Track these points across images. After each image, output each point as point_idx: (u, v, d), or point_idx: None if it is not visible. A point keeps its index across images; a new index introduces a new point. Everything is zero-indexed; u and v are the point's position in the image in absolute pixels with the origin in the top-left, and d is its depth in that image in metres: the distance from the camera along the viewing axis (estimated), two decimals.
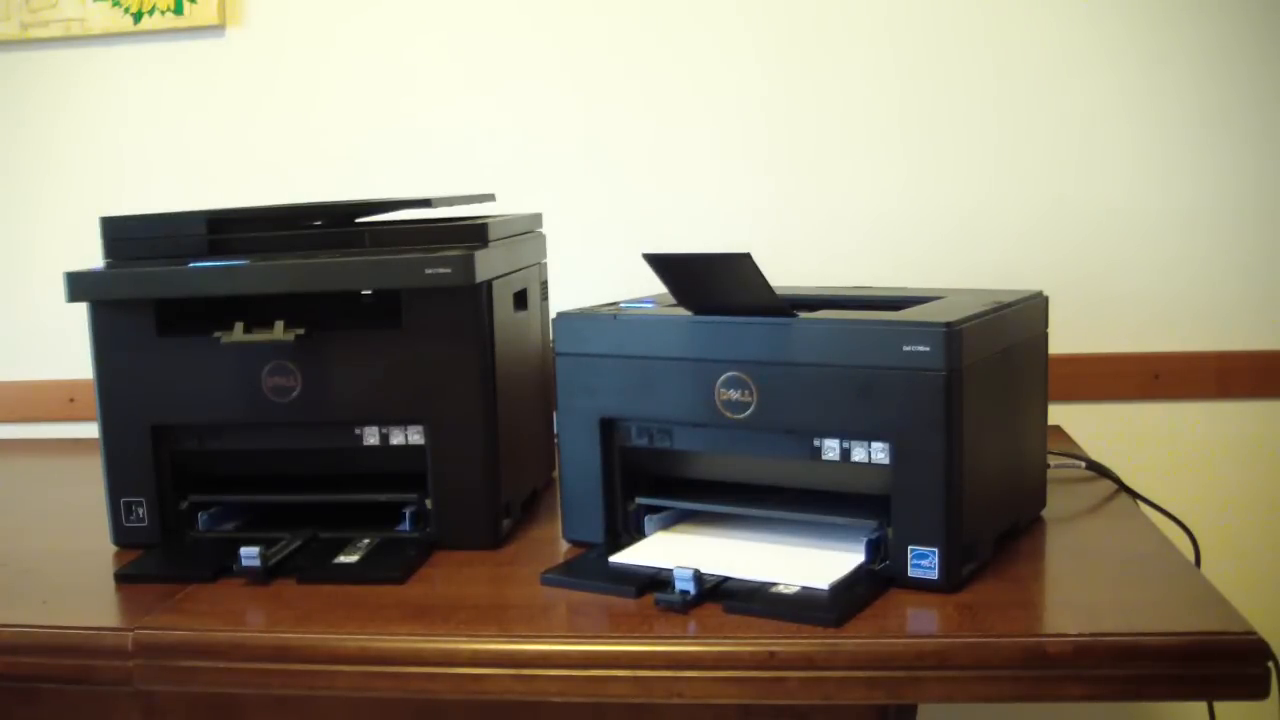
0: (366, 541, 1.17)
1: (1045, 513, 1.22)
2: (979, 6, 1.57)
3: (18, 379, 1.81)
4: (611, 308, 1.16)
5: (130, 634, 0.99)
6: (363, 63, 1.70)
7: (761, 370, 1.04)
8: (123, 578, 1.12)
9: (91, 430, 1.22)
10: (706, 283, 1.06)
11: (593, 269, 1.62)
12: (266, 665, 0.97)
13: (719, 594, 1.00)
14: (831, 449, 1.04)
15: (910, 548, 1.01)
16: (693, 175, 1.65)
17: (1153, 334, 1.59)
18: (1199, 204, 1.56)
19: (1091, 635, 0.89)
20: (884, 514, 1.03)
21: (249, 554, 1.09)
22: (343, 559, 1.13)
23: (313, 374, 1.15)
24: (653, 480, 1.16)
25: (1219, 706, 1.24)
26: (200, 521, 1.22)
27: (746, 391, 1.05)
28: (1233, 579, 1.20)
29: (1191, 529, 1.32)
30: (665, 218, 1.66)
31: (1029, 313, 1.16)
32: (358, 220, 1.29)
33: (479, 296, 1.14)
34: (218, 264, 1.14)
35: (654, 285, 1.11)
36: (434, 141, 1.69)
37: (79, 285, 1.16)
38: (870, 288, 1.33)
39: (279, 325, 1.13)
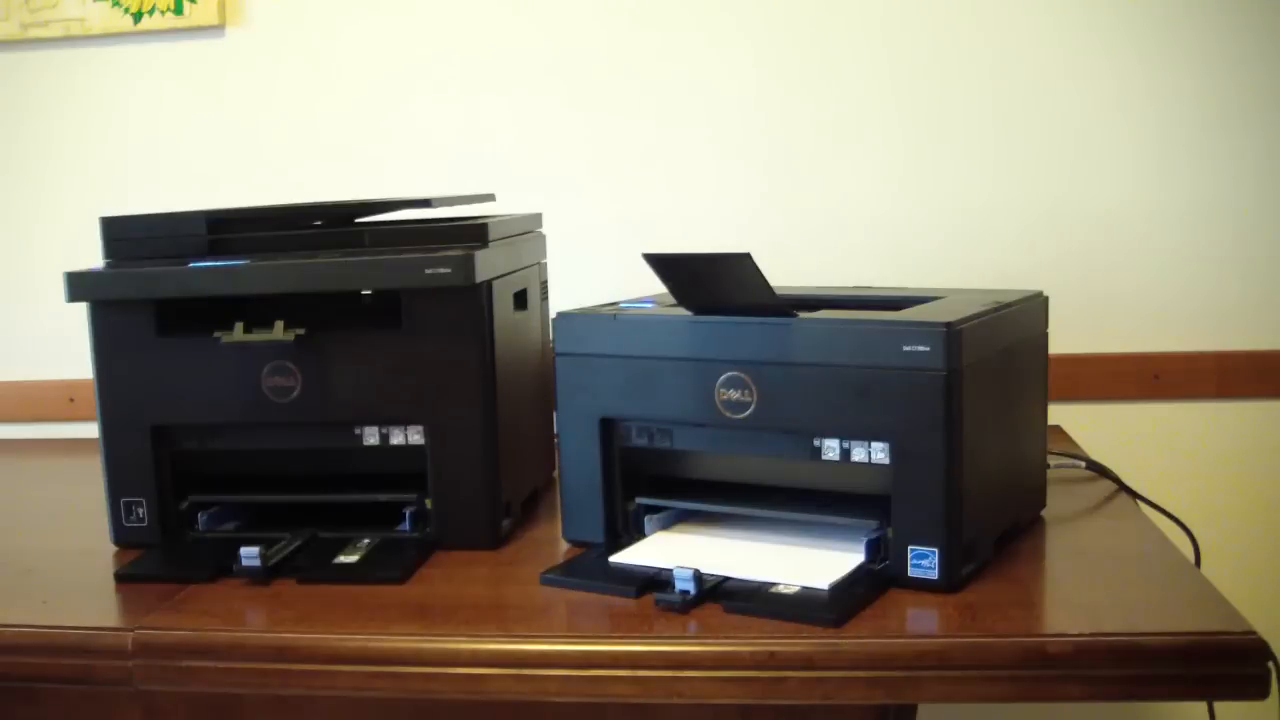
0: (366, 541, 1.17)
1: (1045, 513, 1.22)
2: (977, 6, 1.57)
3: (18, 379, 1.81)
4: (611, 308, 1.16)
5: (130, 634, 0.99)
6: (363, 63, 1.70)
7: (761, 370, 1.04)
8: (123, 578, 1.12)
9: (91, 430, 1.22)
10: (706, 283, 1.06)
11: (593, 269, 1.62)
12: (266, 665, 0.97)
13: (719, 594, 1.00)
14: (831, 449, 1.04)
15: (910, 548, 1.01)
16: (693, 175, 1.65)
17: (1153, 334, 1.59)
18: (1199, 204, 1.56)
19: (1091, 635, 0.89)
20: (884, 514, 1.03)
21: (249, 554, 1.09)
22: (343, 559, 1.13)
23: (313, 374, 1.15)
24: (653, 480, 1.16)
25: (1219, 706, 1.24)
26: (200, 521, 1.22)
27: (746, 391, 1.05)
28: (1233, 579, 1.20)
29: (1191, 529, 1.31)
30: (665, 218, 1.66)
31: (1029, 313, 1.16)
32: (358, 220, 1.29)
33: (479, 296, 1.14)
34: (218, 264, 1.14)
35: (654, 285, 1.11)
36: (434, 141, 1.69)
37: (79, 285, 1.16)
38: (870, 288, 1.33)
39: (279, 325, 1.13)
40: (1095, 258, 1.58)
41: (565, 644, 0.95)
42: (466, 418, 1.15)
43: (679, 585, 0.99)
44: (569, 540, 1.17)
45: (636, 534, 1.15)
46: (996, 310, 1.07)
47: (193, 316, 1.17)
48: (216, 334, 1.14)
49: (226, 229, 1.21)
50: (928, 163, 1.60)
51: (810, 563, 1.05)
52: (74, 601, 1.09)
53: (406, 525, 1.19)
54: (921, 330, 0.98)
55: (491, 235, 1.19)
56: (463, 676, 0.95)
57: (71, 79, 1.75)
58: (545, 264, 1.42)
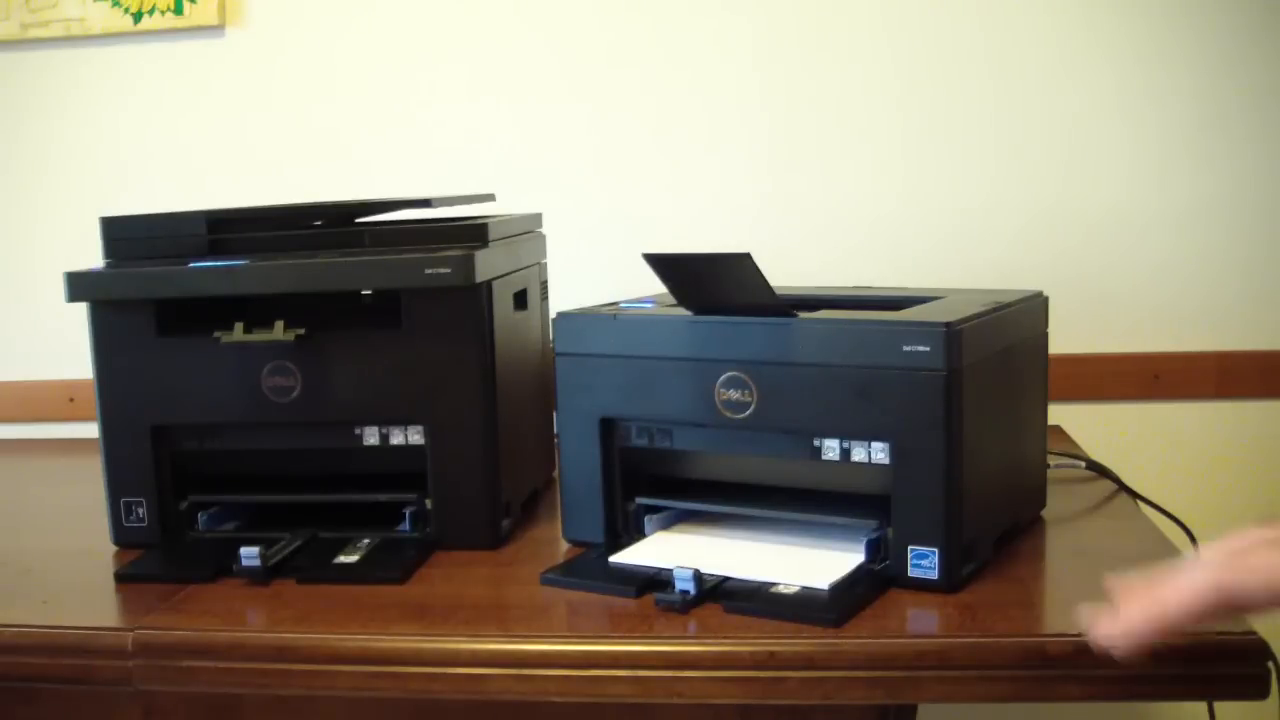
0: (366, 541, 1.17)
1: (1045, 513, 1.22)
2: (978, 6, 1.57)
3: (18, 379, 1.81)
4: (611, 308, 1.16)
5: (130, 634, 0.99)
6: (363, 63, 1.69)
7: (761, 370, 1.04)
8: (123, 578, 1.12)
9: (91, 430, 1.22)
10: (706, 283, 1.06)
11: (593, 269, 1.62)
12: (266, 665, 0.97)
13: (719, 594, 1.00)
14: (831, 449, 1.04)
15: (910, 548, 1.01)
16: (693, 175, 1.65)
17: (1153, 334, 1.59)
18: (1198, 203, 1.57)
19: None
20: (884, 514, 1.03)
21: (249, 554, 1.09)
22: (343, 559, 1.13)
23: (313, 374, 1.15)
24: (653, 480, 1.16)
25: (1219, 706, 1.24)
26: (200, 521, 1.22)
27: (746, 391, 1.05)
28: None
29: (1191, 529, 1.31)
30: (665, 218, 1.66)
31: (1029, 313, 1.16)
32: (358, 220, 1.29)
33: (479, 296, 1.14)
34: (218, 264, 1.14)
35: (654, 285, 1.11)
36: (434, 141, 1.69)
37: (79, 285, 1.16)
38: (870, 288, 1.33)
39: (279, 325, 1.13)
40: (1094, 258, 1.58)
41: (565, 644, 0.95)
42: (466, 418, 1.15)
43: (679, 585, 0.99)
44: (569, 540, 1.17)
45: (636, 534, 1.15)
46: (996, 310, 1.07)
47: (193, 316, 1.17)
48: (216, 334, 1.14)
49: (226, 229, 1.21)
50: (928, 163, 1.60)
51: (810, 563, 1.05)
52: (74, 601, 1.09)
53: (406, 525, 1.19)
54: (921, 330, 0.98)
55: (491, 235, 1.19)
56: (463, 676, 0.95)
57: (71, 79, 1.75)
58: (545, 264, 1.42)
